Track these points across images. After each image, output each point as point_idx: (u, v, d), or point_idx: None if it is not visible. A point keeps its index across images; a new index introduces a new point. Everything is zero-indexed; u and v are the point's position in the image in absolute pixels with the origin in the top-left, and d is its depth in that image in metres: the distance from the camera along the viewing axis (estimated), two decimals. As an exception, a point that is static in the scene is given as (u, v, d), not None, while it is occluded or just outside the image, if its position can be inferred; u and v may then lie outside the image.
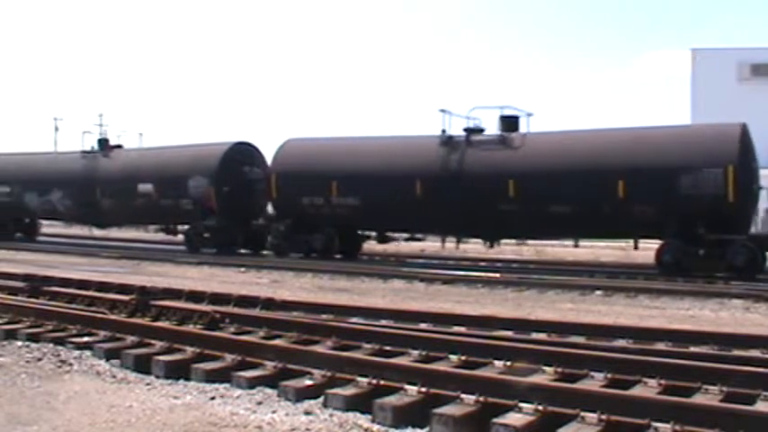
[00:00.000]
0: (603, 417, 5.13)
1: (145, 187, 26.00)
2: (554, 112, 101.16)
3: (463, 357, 7.16)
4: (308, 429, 5.39)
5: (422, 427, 5.44)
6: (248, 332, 8.71)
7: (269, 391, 6.34)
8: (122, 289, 11.66)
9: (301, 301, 11.07)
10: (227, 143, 25.50)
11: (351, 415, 5.69)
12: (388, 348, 7.59)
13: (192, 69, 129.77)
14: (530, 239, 22.29)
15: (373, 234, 23.44)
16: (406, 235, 23.73)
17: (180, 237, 26.18)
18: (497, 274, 16.98)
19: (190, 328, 8.66)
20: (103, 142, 28.93)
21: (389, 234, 23.35)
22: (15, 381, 6.76)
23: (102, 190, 27.51)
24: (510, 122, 20.84)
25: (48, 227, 35.09)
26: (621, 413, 5.15)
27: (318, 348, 7.64)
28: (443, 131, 21.26)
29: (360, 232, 23.53)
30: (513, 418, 5.23)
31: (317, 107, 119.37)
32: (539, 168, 19.19)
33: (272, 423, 5.51)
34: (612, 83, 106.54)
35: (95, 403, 6.02)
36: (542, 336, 8.64)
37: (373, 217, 22.09)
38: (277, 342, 7.95)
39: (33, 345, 8.20)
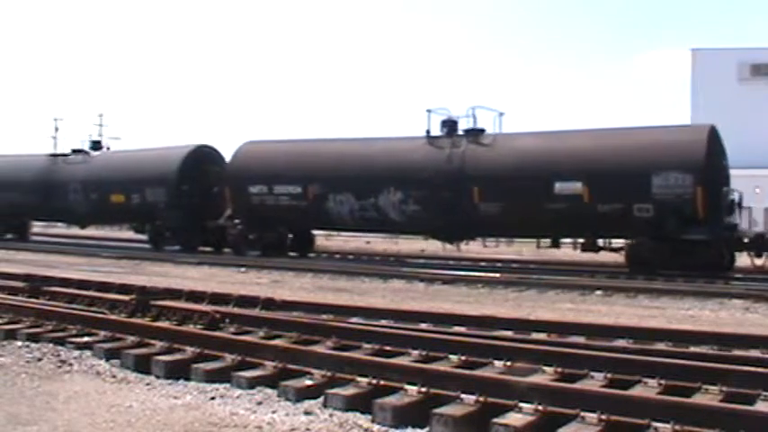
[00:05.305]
0: (603, 417, 5.12)
1: (568, 186, 18.87)
2: (554, 112, 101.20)
3: (463, 357, 7.15)
4: (308, 429, 5.39)
5: (422, 427, 5.43)
6: (248, 332, 8.71)
7: (269, 391, 6.33)
8: (122, 289, 11.65)
9: (301, 301, 11.07)
10: (704, 126, 18.74)
11: (351, 415, 5.68)
12: (388, 348, 7.58)
13: (192, 69, 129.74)
14: None
15: None
16: None
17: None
18: (497, 274, 17.00)
19: (190, 328, 8.66)
20: (451, 124, 21.34)
21: None
22: (15, 381, 6.76)
23: (481, 191, 20.01)
24: None
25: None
26: (621, 413, 5.14)
27: (318, 348, 7.63)
28: None
29: None
30: (513, 418, 5.23)
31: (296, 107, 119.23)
32: None
33: (272, 423, 5.51)
34: (612, 83, 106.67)
35: (95, 403, 6.02)
36: (542, 336, 8.64)
37: None
38: (277, 342, 7.93)
39: (33, 345, 8.19)
